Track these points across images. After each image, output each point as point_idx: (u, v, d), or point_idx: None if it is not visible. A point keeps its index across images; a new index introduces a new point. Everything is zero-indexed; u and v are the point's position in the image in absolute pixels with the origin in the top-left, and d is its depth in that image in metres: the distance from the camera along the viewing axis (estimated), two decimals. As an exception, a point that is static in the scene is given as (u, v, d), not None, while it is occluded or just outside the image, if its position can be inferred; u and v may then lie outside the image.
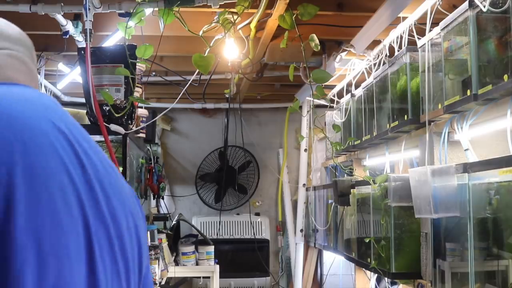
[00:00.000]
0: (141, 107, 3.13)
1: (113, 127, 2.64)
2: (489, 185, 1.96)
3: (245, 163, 5.54)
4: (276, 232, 5.66)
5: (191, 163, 5.71)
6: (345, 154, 4.01)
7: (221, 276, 4.00)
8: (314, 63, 3.69)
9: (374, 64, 3.21)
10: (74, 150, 0.90)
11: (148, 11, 2.54)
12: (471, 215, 2.02)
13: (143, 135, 3.39)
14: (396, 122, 2.77)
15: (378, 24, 2.77)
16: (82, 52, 2.65)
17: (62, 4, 2.61)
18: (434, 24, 2.40)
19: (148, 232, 3.22)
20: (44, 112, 0.91)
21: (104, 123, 2.49)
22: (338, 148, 3.74)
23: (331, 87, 4.27)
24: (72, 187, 0.86)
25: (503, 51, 1.89)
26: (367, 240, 3.04)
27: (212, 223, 5.38)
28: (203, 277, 4.18)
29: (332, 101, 4.13)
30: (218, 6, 2.50)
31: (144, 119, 3.21)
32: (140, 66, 2.82)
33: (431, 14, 2.41)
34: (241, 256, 5.30)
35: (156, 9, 2.48)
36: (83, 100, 2.75)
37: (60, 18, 2.70)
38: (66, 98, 4.77)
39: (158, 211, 4.78)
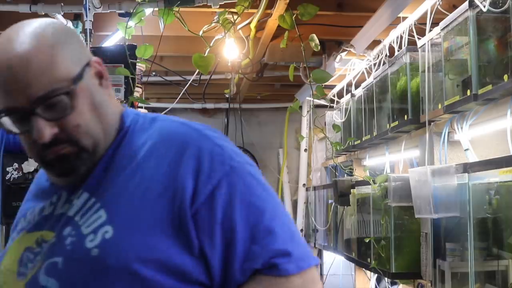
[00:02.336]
0: (141, 107, 3.13)
1: (113, 127, 2.63)
2: (489, 185, 1.96)
3: (245, 163, 5.53)
4: (276, 232, 5.65)
5: (191, 163, 5.70)
6: (345, 154, 4.01)
7: (221, 276, 3.99)
8: (314, 63, 3.69)
9: (374, 64, 3.21)
10: None
11: (148, 11, 2.54)
12: (471, 215, 2.02)
13: (143, 135, 3.38)
14: (396, 122, 2.77)
15: (378, 24, 2.77)
16: (82, 52, 2.64)
17: (62, 4, 2.61)
18: (434, 24, 2.39)
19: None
20: None
21: (104, 123, 2.49)
22: (338, 148, 3.74)
23: (331, 87, 4.27)
24: None
25: (503, 51, 1.89)
26: (367, 240, 3.04)
27: (212, 223, 5.37)
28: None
29: (332, 101, 4.13)
30: (218, 6, 2.51)
31: (144, 119, 3.21)
32: (140, 66, 2.82)
33: (431, 14, 2.41)
34: (241, 256, 5.28)
35: (156, 9, 2.48)
36: (83, 100, 2.75)
37: (60, 18, 2.70)
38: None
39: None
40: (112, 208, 0.98)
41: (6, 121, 0.98)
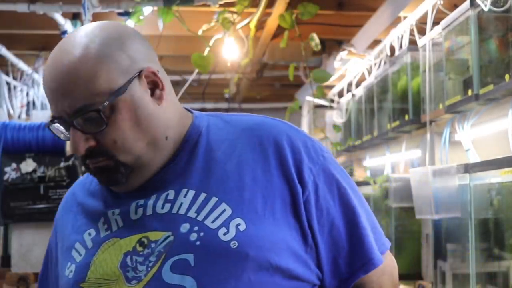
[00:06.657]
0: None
1: (112, 127, 2.62)
2: (490, 185, 1.95)
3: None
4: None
5: (191, 163, 5.68)
6: (346, 154, 4.00)
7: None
8: (314, 62, 3.68)
9: (375, 64, 3.19)
10: None
11: (147, 10, 2.53)
12: (472, 216, 2.01)
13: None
14: (397, 122, 2.75)
15: (379, 23, 2.76)
16: (81, 51, 2.63)
17: (61, 3, 2.60)
18: (435, 23, 2.38)
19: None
20: None
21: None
22: (338, 148, 3.73)
23: (331, 87, 4.26)
24: None
25: (504, 51, 1.88)
26: (367, 241, 3.02)
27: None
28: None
29: (332, 101, 4.12)
30: (217, 6, 2.49)
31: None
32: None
33: (432, 13, 2.40)
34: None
35: (155, 8, 2.46)
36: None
37: (58, 17, 2.69)
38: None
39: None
40: (233, 201, 0.99)
41: (55, 127, 1.01)
